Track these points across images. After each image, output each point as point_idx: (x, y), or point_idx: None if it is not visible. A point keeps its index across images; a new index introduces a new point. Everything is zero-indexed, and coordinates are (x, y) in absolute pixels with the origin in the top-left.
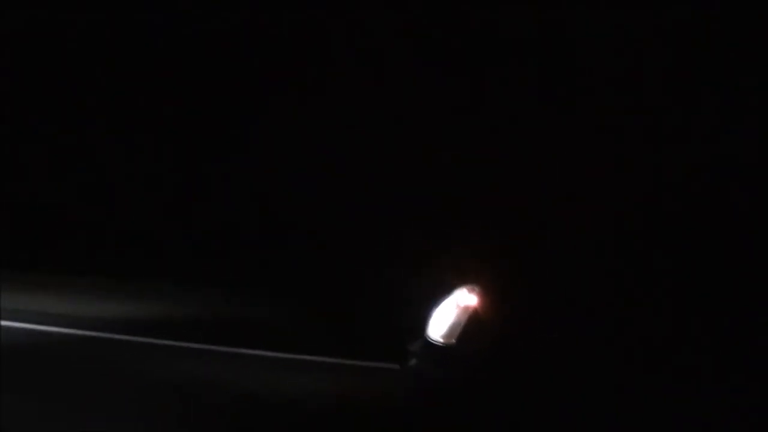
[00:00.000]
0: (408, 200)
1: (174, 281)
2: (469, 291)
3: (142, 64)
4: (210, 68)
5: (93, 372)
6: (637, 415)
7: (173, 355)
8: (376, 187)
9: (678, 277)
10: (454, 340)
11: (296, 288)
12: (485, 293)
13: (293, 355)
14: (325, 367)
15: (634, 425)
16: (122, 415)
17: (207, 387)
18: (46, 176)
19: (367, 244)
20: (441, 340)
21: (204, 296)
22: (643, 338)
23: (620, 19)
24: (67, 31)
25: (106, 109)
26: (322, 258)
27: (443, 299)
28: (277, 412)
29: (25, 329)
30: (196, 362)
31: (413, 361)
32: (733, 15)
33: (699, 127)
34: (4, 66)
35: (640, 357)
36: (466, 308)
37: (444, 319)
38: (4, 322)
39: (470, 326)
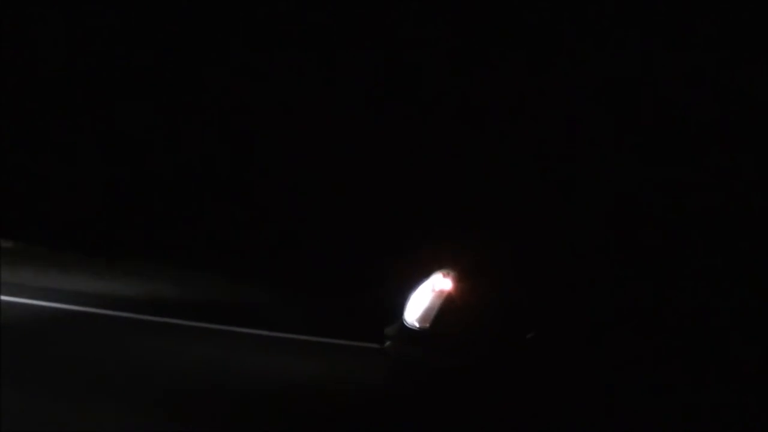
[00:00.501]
0: (388, 189)
1: (166, 261)
2: (444, 276)
3: (143, 61)
4: (212, 66)
5: (91, 348)
6: (611, 397)
7: (161, 331)
8: (357, 176)
9: (652, 259)
10: (428, 324)
11: (280, 270)
12: (459, 278)
13: (275, 333)
14: (308, 346)
15: (609, 407)
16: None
17: (191, 363)
18: (48, 153)
19: (348, 230)
20: (416, 324)
21: (192, 276)
22: (612, 323)
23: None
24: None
25: (107, 94)
26: (305, 242)
27: (420, 284)
28: (260, 388)
29: (24, 304)
30: (180, 339)
31: (389, 344)
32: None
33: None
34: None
35: (611, 341)
36: (440, 292)
37: (419, 303)
38: (4, 297)
39: (444, 310)
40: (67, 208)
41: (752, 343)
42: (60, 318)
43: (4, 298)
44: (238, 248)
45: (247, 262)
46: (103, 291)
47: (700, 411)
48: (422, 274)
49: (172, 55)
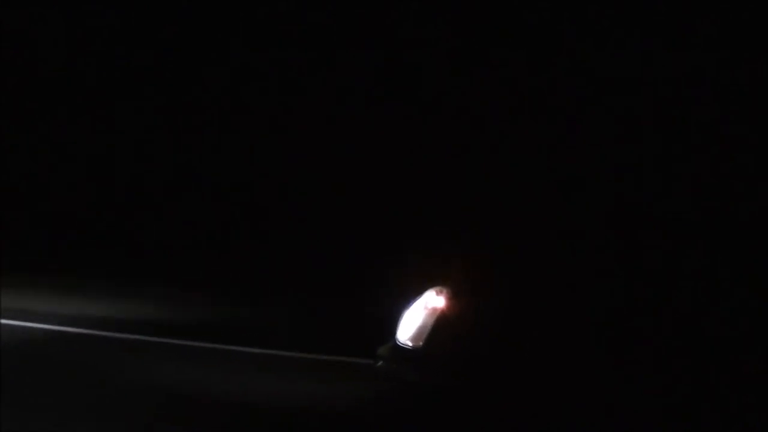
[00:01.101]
0: (379, 203)
1: (157, 280)
2: (437, 293)
3: (137, 62)
4: (212, 66)
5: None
6: (609, 416)
7: (159, 352)
8: (349, 190)
9: (650, 279)
10: (421, 343)
11: (270, 285)
12: (452, 295)
13: (263, 351)
14: (299, 363)
15: (608, 420)
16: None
17: (189, 383)
18: (46, 177)
19: (340, 247)
20: (409, 343)
21: (185, 295)
22: (614, 338)
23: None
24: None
25: (104, 114)
26: (298, 258)
27: (412, 302)
28: (251, 407)
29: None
30: (177, 359)
31: (381, 363)
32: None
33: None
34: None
35: (612, 357)
36: (433, 310)
37: (412, 321)
38: (4, 321)
39: (437, 329)
40: (64, 220)
41: (752, 343)
42: (58, 340)
43: (4, 321)
44: (231, 258)
45: (240, 276)
46: (100, 313)
47: (700, 411)
48: (415, 290)
49: (172, 55)
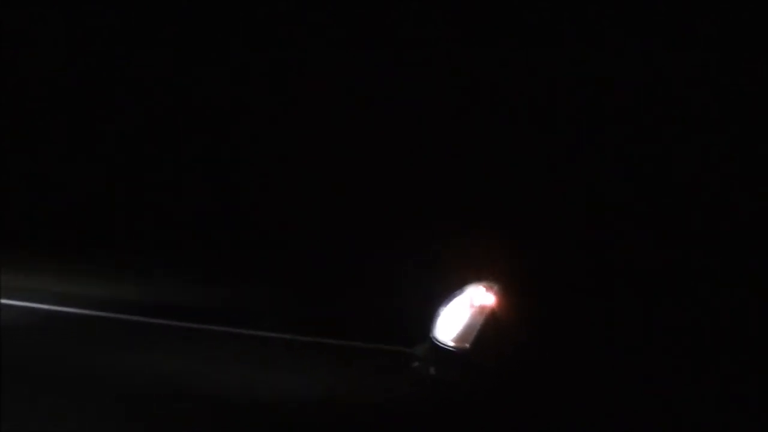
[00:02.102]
0: (421, 190)
1: (164, 263)
2: (486, 289)
3: (133, 61)
4: (212, 66)
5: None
6: (659, 422)
7: (158, 334)
8: (387, 177)
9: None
10: (467, 345)
11: (302, 276)
12: (504, 292)
13: (300, 337)
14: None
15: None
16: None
17: (216, 367)
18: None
19: (375, 235)
20: (452, 344)
21: (219, 279)
22: (668, 338)
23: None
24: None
25: (101, 100)
26: (330, 248)
27: (452, 297)
28: (264, 396)
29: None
30: (203, 342)
31: (417, 364)
32: None
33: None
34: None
35: (666, 358)
36: (481, 308)
37: (455, 320)
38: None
39: (487, 329)
40: (62, 210)
41: (752, 343)
42: (56, 320)
43: (3, 301)
44: (243, 248)
45: (254, 263)
46: (103, 294)
47: (700, 411)
48: (451, 283)
49: (170, 55)
